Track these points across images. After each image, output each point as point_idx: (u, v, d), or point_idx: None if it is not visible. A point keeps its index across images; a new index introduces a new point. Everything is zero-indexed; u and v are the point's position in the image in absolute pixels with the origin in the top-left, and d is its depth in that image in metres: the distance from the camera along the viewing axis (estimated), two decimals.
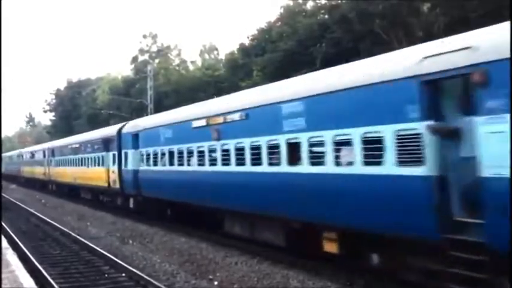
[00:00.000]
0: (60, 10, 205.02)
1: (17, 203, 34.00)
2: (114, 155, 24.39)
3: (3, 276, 10.36)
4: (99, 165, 26.93)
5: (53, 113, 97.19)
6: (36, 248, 16.77)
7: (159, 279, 11.74)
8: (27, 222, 24.42)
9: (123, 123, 25.54)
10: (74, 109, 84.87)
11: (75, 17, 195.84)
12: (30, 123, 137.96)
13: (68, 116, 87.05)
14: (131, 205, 23.00)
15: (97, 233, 19.67)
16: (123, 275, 12.52)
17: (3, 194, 36.93)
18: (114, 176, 24.30)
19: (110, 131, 26.63)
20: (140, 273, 12.06)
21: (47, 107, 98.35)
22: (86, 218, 24.38)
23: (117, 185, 23.84)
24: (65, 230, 20.03)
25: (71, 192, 35.57)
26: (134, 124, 23.17)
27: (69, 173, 34.22)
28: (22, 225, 23.15)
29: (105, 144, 26.01)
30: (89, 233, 19.70)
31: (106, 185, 25.66)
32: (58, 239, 18.91)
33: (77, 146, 32.78)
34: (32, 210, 28.21)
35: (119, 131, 24.23)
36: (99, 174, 26.67)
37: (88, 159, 29.38)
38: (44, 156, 43.47)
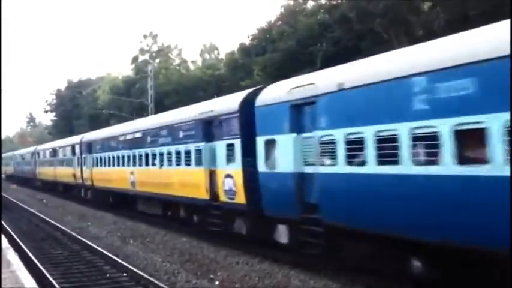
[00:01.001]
0: (61, 10, 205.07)
1: (18, 203, 34.03)
2: (229, 146, 14.31)
3: (4, 276, 10.37)
4: (188, 164, 16.74)
5: (54, 113, 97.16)
6: (37, 248, 16.79)
7: (160, 279, 11.75)
8: (29, 222, 24.46)
9: (256, 88, 15.04)
10: (75, 109, 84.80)
11: (75, 17, 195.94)
12: (31, 124, 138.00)
13: (68, 116, 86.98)
14: (283, 239, 12.72)
15: (98, 233, 19.68)
16: (124, 274, 12.53)
17: (4, 195, 36.99)
18: (230, 183, 14.22)
19: (222, 105, 15.69)
20: (141, 273, 12.07)
21: (48, 107, 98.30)
22: (86, 218, 24.39)
23: (239, 199, 13.88)
24: (66, 230, 20.06)
25: (122, 203, 25.71)
26: (300, 83, 12.20)
27: (118, 176, 24.05)
28: (23, 225, 23.19)
29: (205, 128, 15.87)
30: (89, 233, 19.72)
31: (206, 197, 15.55)
32: (59, 239, 18.94)
33: (139, 135, 21.78)
34: (33, 211, 28.24)
35: (247, 102, 13.98)
36: (189, 178, 16.76)
37: (162, 155, 18.94)
38: (74, 153, 32.90)
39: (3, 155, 73.00)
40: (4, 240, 15.43)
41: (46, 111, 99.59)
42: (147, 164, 20.69)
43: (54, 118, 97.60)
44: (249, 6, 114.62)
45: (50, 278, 11.90)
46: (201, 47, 74.94)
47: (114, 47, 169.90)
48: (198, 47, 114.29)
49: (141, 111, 49.84)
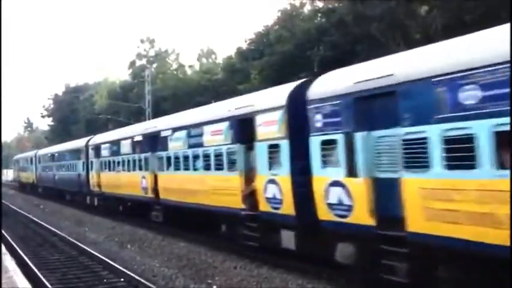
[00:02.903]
0: (58, 15, 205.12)
1: (16, 209, 33.90)
2: None
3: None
4: None
5: (51, 118, 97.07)
6: (34, 253, 16.72)
7: (158, 284, 11.71)
8: (26, 227, 24.35)
9: None
10: (72, 114, 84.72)
11: (72, 22, 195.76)
12: (29, 129, 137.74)
13: (66, 121, 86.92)
14: None
15: (95, 238, 19.61)
16: (122, 279, 12.47)
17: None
18: None
19: None
20: (139, 278, 12.02)
21: (45, 112, 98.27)
22: (84, 223, 24.31)
23: None
24: (64, 235, 19.98)
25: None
26: None
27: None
28: (20, 231, 23.09)
29: None
30: (87, 238, 19.65)
31: None
32: (56, 244, 18.86)
33: None
34: (30, 216, 28.13)
35: None
36: None
37: None
38: (242, 139, 13.59)
39: (17, 157, 70.32)
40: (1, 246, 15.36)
41: (43, 116, 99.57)
42: None
43: (52, 123, 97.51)
44: (246, 11, 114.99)
45: (47, 284, 11.85)
46: (198, 52, 74.95)
47: (112, 51, 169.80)
48: (195, 52, 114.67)
49: (138, 116, 49.82)
